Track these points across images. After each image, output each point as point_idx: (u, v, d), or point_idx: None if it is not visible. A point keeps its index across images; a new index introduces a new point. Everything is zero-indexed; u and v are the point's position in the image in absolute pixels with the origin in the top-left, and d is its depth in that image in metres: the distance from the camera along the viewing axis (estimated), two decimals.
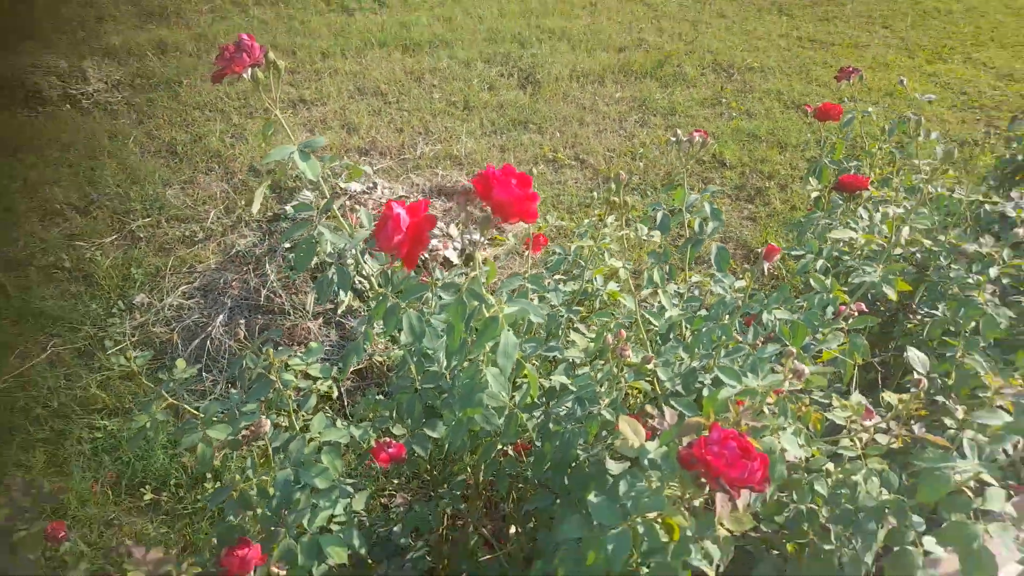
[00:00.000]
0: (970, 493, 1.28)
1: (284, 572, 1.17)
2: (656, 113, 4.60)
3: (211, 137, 4.08)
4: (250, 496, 1.33)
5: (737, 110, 4.64)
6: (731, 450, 0.93)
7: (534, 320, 1.31)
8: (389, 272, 1.35)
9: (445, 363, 1.45)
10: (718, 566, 1.30)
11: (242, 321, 2.70)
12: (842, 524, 1.29)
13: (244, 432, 1.28)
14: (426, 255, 2.96)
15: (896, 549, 1.37)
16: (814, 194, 2.20)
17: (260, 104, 4.37)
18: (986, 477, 1.24)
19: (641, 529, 1.05)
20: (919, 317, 2.02)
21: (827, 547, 1.34)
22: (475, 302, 1.15)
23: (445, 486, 1.71)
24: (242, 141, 4.08)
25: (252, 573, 1.14)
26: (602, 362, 1.40)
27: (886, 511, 1.36)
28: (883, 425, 1.45)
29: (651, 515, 1.07)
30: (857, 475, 1.29)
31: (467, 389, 1.24)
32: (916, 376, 1.80)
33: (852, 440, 1.31)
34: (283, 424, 1.48)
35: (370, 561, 1.63)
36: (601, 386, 1.33)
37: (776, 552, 1.52)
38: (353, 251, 1.36)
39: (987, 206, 2.00)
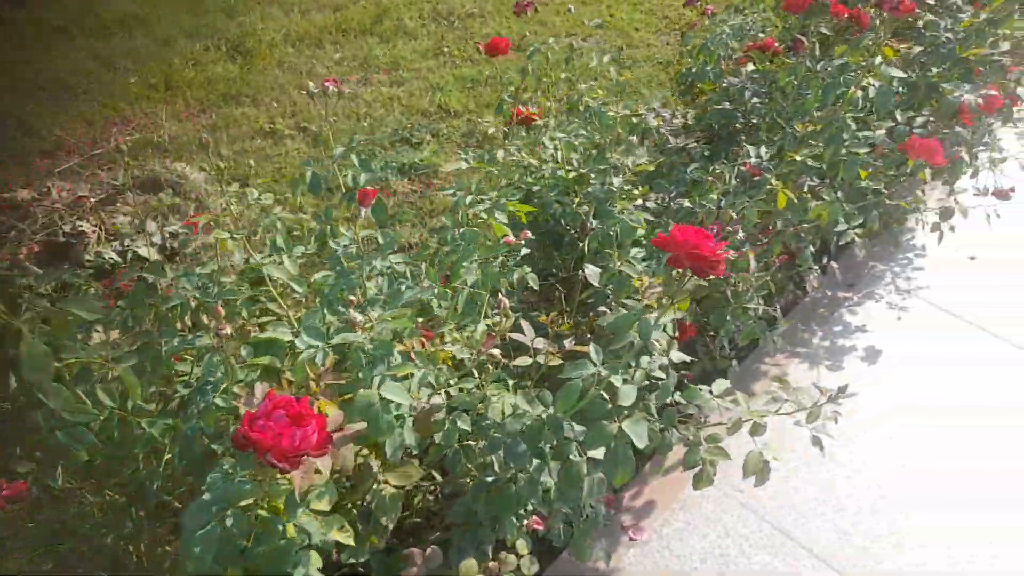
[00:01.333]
0: (605, 396, 1.32)
1: None
2: (379, 70, 4.46)
3: None
4: None
5: (460, 58, 4.62)
6: (279, 420, 0.85)
7: None
8: None
9: None
10: (386, 527, 1.23)
11: None
12: (494, 452, 1.28)
13: None
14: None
15: (564, 462, 1.39)
16: (490, 130, 2.18)
17: None
18: (614, 379, 1.27)
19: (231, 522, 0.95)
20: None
21: (490, 479, 1.33)
22: None
23: None
24: None
25: None
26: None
27: (546, 430, 1.37)
28: (539, 345, 1.45)
29: (246, 503, 0.97)
30: (497, 403, 1.27)
31: None
32: (592, 289, 1.84)
33: (479, 370, 1.29)
34: None
35: None
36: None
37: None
38: None
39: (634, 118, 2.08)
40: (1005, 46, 2.42)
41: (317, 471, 0.92)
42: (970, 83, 2.29)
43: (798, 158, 2.00)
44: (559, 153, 2.05)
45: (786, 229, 2.08)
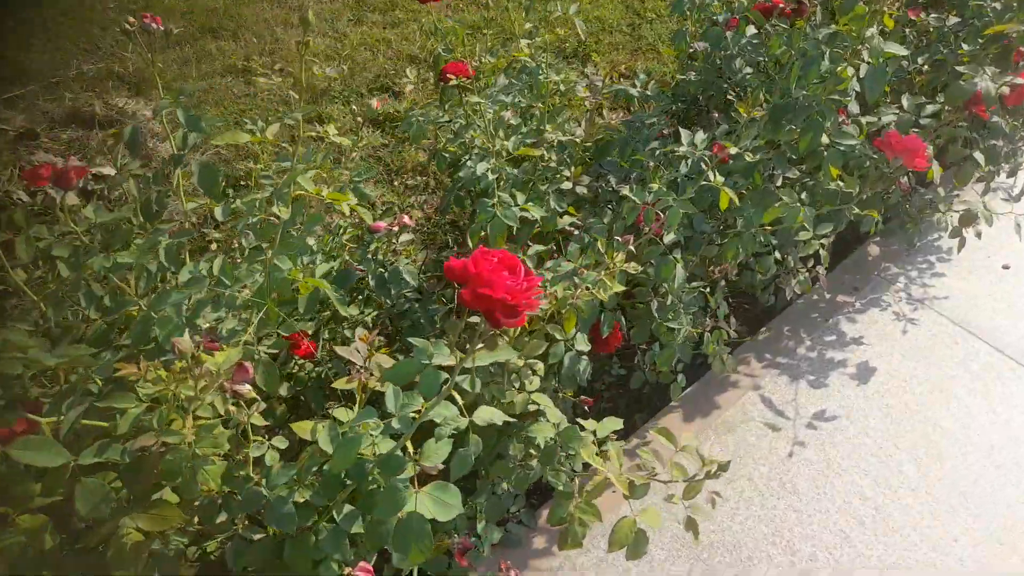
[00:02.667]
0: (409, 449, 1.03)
1: None
2: (375, 10, 4.12)
3: None
4: None
5: (465, 1, 4.23)
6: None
7: None
8: None
9: None
10: None
11: None
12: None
13: None
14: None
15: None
16: (408, 87, 1.85)
17: None
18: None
19: None
20: None
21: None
22: None
23: None
24: None
25: None
26: None
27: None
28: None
29: None
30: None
31: None
32: None
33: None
34: None
35: None
36: None
37: None
38: None
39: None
40: None
41: None
42: (1005, 67, 1.86)
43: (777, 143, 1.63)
44: (487, 121, 1.72)
45: (745, 231, 1.72)
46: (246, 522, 1.05)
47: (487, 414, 1.01)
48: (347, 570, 1.33)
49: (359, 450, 1.04)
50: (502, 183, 1.44)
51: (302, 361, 1.62)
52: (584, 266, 1.36)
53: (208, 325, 1.09)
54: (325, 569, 1.23)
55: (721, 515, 1.85)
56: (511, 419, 1.02)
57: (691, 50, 2.39)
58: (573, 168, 1.76)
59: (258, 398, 0.95)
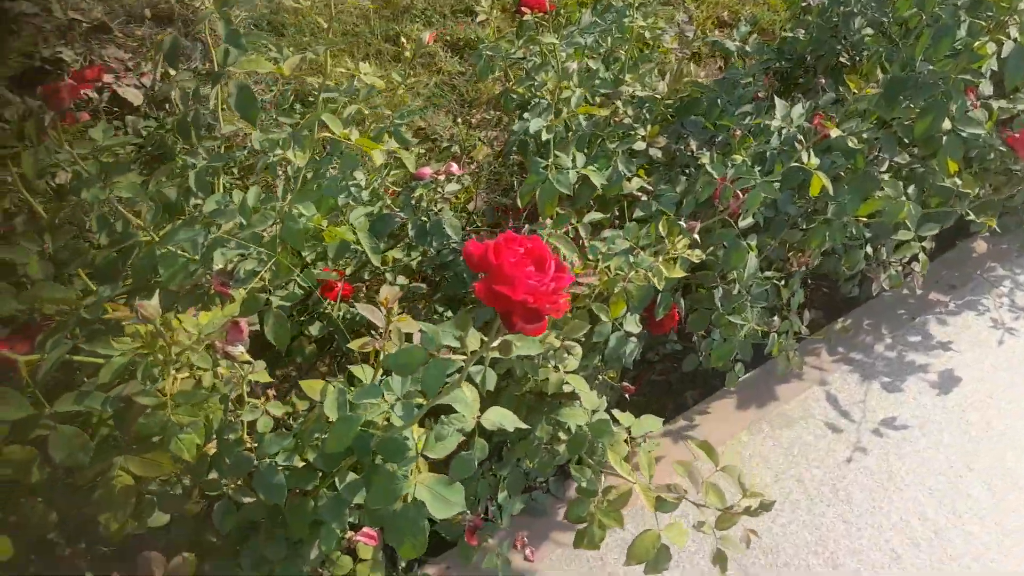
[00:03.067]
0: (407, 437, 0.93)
1: None
2: None
3: None
4: None
5: None
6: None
7: None
8: None
9: None
10: None
11: None
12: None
13: None
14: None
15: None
16: (480, 16, 1.69)
17: None
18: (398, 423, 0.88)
19: None
20: None
21: None
22: None
23: None
24: None
25: None
26: None
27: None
28: None
29: None
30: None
31: None
32: None
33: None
34: None
35: None
36: None
37: None
38: None
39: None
40: None
41: None
42: None
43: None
44: (559, 63, 1.55)
45: (836, 219, 1.52)
46: (239, 482, 0.99)
47: (497, 416, 0.90)
48: (349, 534, 1.27)
49: (371, 417, 0.94)
50: (559, 139, 1.28)
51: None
52: (642, 246, 1.21)
53: (220, 267, 1.00)
54: (325, 532, 1.17)
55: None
56: (523, 426, 0.91)
57: (805, 3, 2.11)
58: (649, 127, 1.58)
59: (251, 361, 0.86)
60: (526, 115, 1.32)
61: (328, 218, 1.27)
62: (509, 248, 0.71)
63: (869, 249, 1.61)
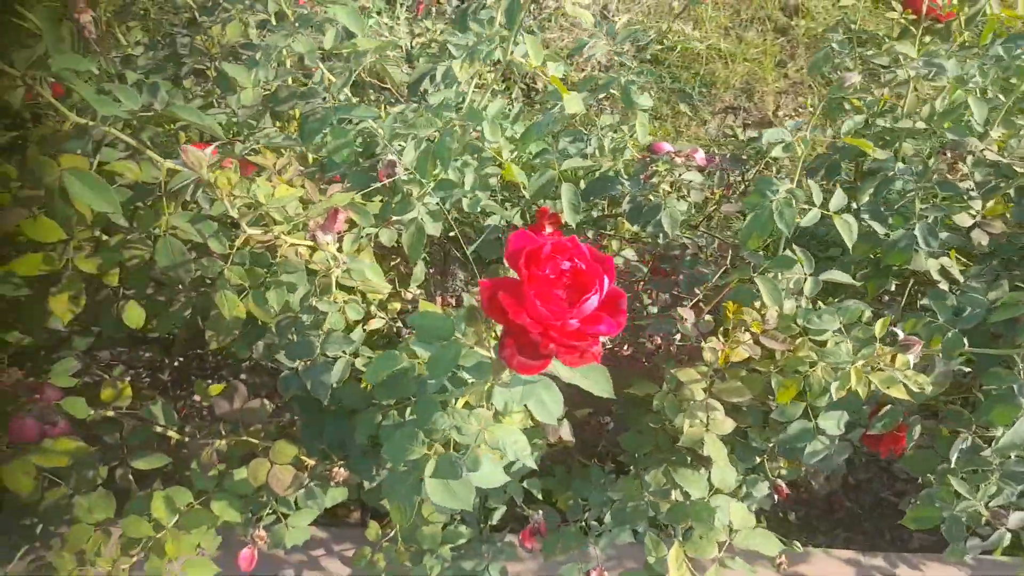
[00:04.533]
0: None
1: None
2: None
3: None
4: None
5: None
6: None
7: None
8: None
9: None
10: None
11: None
12: None
13: None
14: None
15: None
16: None
17: None
18: None
19: None
20: None
21: None
22: None
23: None
24: None
25: None
26: None
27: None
28: None
29: None
30: None
31: None
32: None
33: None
34: None
35: None
36: None
37: None
38: None
39: None
40: None
41: None
42: None
43: None
44: None
45: None
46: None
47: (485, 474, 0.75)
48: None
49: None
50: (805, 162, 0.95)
51: None
52: (854, 337, 0.91)
53: (392, 157, 0.96)
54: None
55: None
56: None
57: None
58: (991, 203, 1.16)
59: (338, 256, 0.82)
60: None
61: (538, 156, 1.17)
62: (550, 258, 0.55)
63: None
